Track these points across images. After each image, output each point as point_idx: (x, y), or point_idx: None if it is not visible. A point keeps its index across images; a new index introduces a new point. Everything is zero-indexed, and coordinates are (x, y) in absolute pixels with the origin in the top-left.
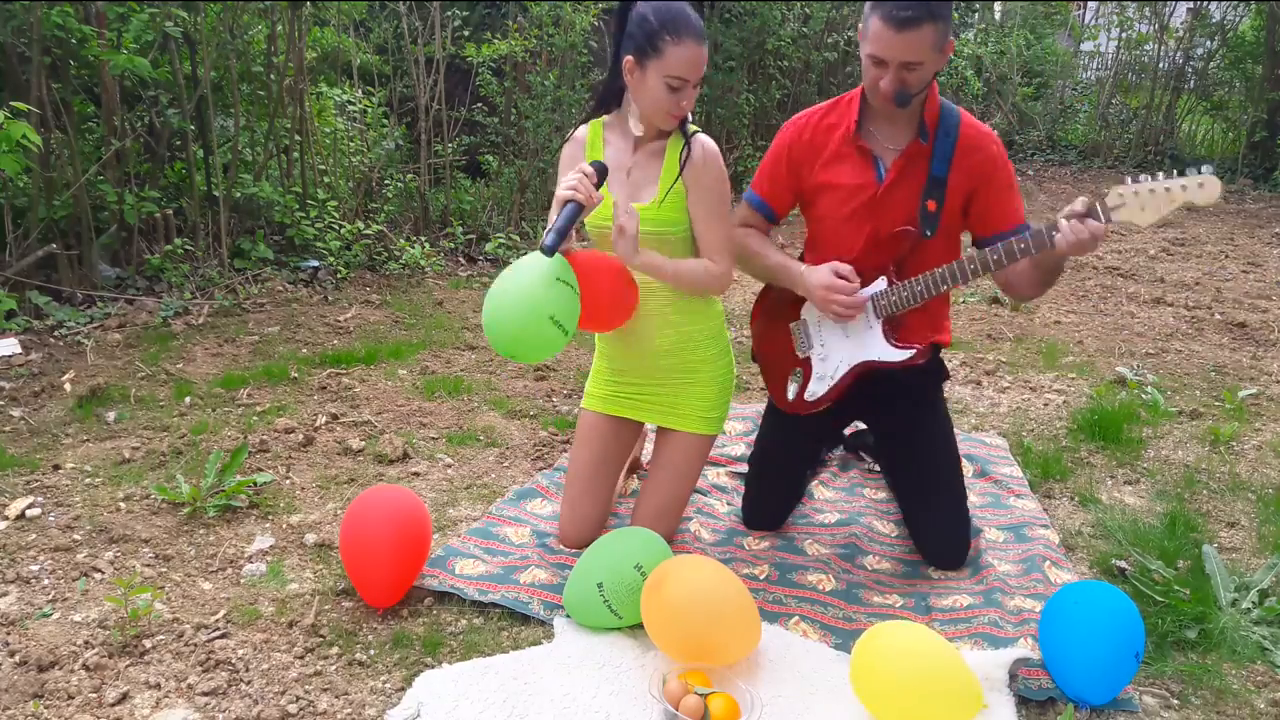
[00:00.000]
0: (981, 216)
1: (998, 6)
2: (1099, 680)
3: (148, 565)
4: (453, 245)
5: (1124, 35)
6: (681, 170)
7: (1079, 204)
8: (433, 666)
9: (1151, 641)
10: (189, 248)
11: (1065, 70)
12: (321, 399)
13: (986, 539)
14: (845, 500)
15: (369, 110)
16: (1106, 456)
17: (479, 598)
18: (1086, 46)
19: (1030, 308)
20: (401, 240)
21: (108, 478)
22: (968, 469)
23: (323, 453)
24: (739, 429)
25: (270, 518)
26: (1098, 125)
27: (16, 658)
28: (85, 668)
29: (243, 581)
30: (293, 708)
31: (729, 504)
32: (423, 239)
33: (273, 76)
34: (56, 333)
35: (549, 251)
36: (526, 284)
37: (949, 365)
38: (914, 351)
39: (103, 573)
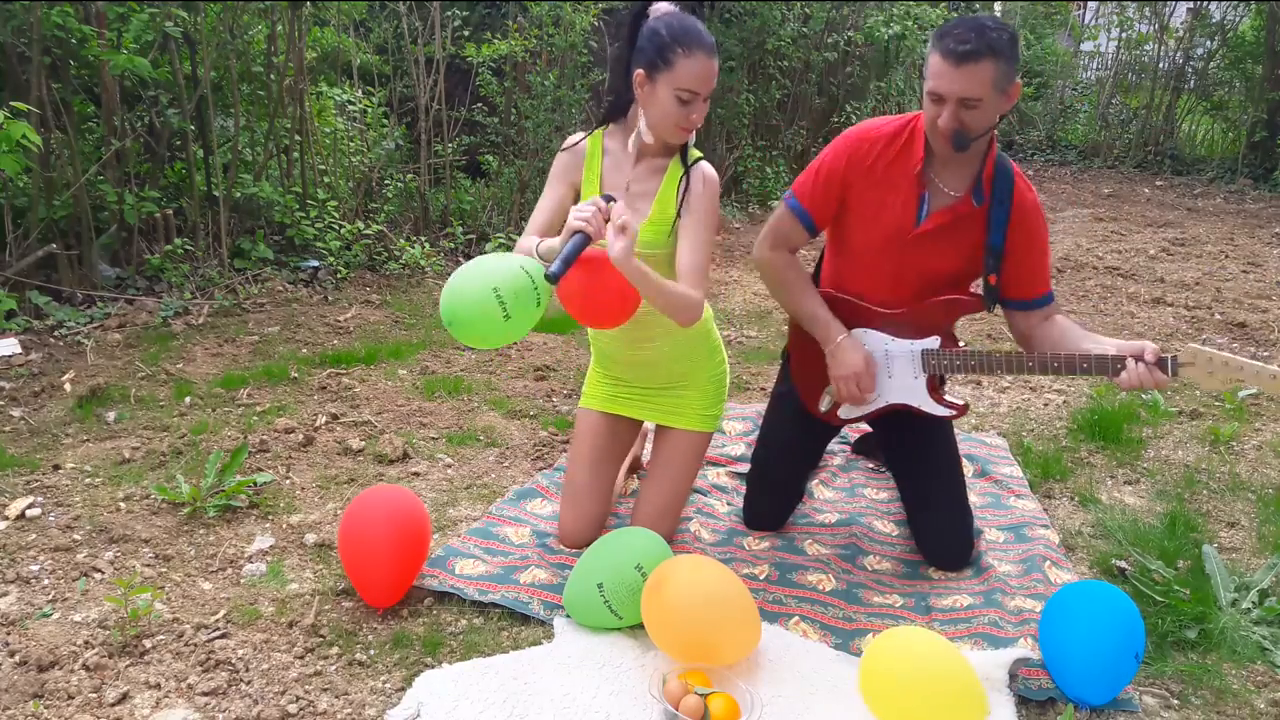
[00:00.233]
0: (1013, 281)
1: (998, 6)
2: (1099, 680)
3: (148, 565)
4: (453, 245)
5: (1124, 35)
6: (680, 202)
7: (1149, 353)
8: (433, 666)
9: (1151, 641)
10: (189, 248)
11: (1065, 70)
12: (321, 399)
13: (987, 539)
14: (845, 500)
15: (369, 110)
16: (1106, 456)
17: (479, 598)
18: (1086, 46)
19: None
20: (401, 240)
21: (108, 478)
22: (968, 469)
23: (323, 453)
24: (739, 429)
25: (270, 518)
26: (1098, 125)
27: (16, 658)
28: (85, 668)
29: (243, 581)
30: (293, 708)
31: (729, 504)
32: (423, 239)
33: (273, 76)
34: (56, 333)
35: (553, 280)
36: (490, 262)
37: None
38: (955, 412)
39: (103, 573)
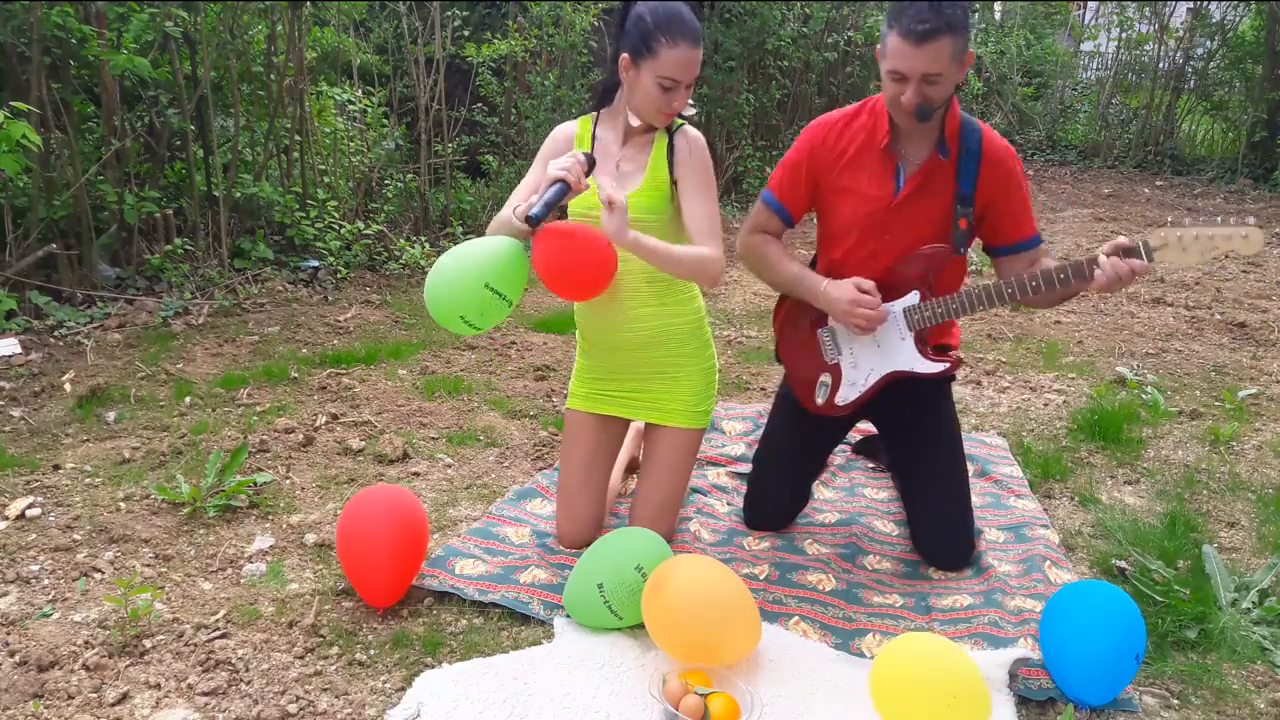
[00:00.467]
0: (996, 228)
1: (998, 6)
2: (1099, 680)
3: (148, 565)
4: (453, 245)
5: (1124, 35)
6: (664, 159)
7: (1122, 241)
8: (433, 666)
9: (1151, 641)
10: (189, 248)
11: (1065, 70)
12: (321, 399)
13: (987, 539)
14: (845, 500)
15: (369, 110)
16: (1106, 456)
17: (479, 598)
18: (1086, 46)
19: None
20: (401, 240)
21: (108, 478)
22: (968, 469)
23: (323, 453)
24: (739, 429)
25: (270, 518)
26: (1098, 125)
27: (16, 658)
28: (85, 668)
29: (243, 581)
30: (293, 708)
31: (729, 504)
32: (423, 239)
33: (273, 76)
34: (56, 333)
35: (535, 221)
36: (460, 260)
37: None
38: (947, 365)
39: (103, 573)
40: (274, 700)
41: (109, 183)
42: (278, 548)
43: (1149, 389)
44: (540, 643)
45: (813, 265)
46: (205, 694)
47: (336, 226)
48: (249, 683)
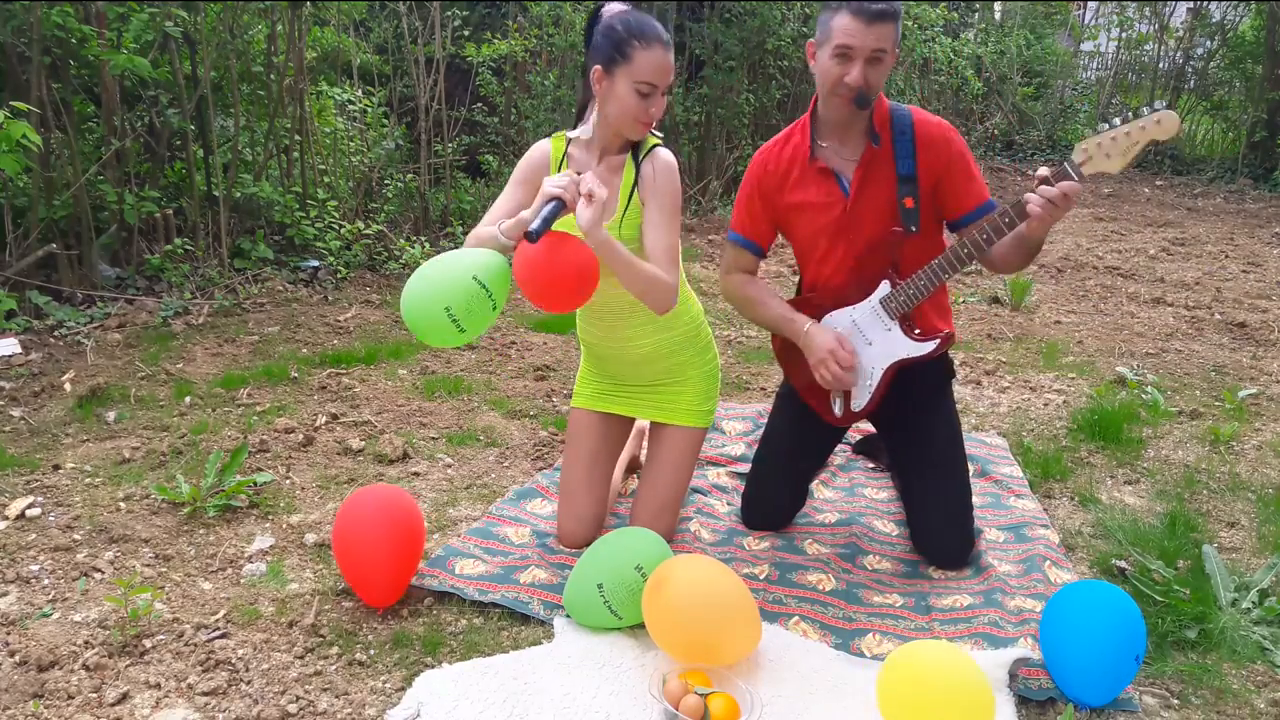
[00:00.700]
0: (949, 201)
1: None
2: (1099, 681)
3: (148, 565)
4: (453, 245)
5: (1124, 35)
6: (634, 188)
7: (1043, 170)
8: (433, 666)
9: (1151, 641)
10: (189, 248)
11: (1065, 70)
12: (321, 399)
13: (987, 539)
14: (845, 500)
15: (369, 110)
16: (1106, 456)
17: (479, 598)
18: (1086, 46)
19: (1030, 306)
20: (401, 240)
21: (108, 478)
22: (968, 469)
23: (323, 453)
24: (739, 429)
25: (270, 518)
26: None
27: (16, 658)
28: (85, 668)
29: (243, 581)
30: (293, 708)
31: (729, 504)
32: (423, 239)
33: (273, 76)
34: (56, 333)
35: (534, 238)
36: (442, 274)
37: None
38: (938, 341)
39: (103, 573)
40: (274, 700)
41: (109, 183)
42: (278, 548)
43: (1149, 389)
44: (540, 643)
45: (799, 283)
46: (205, 694)
47: (336, 226)
48: (249, 683)
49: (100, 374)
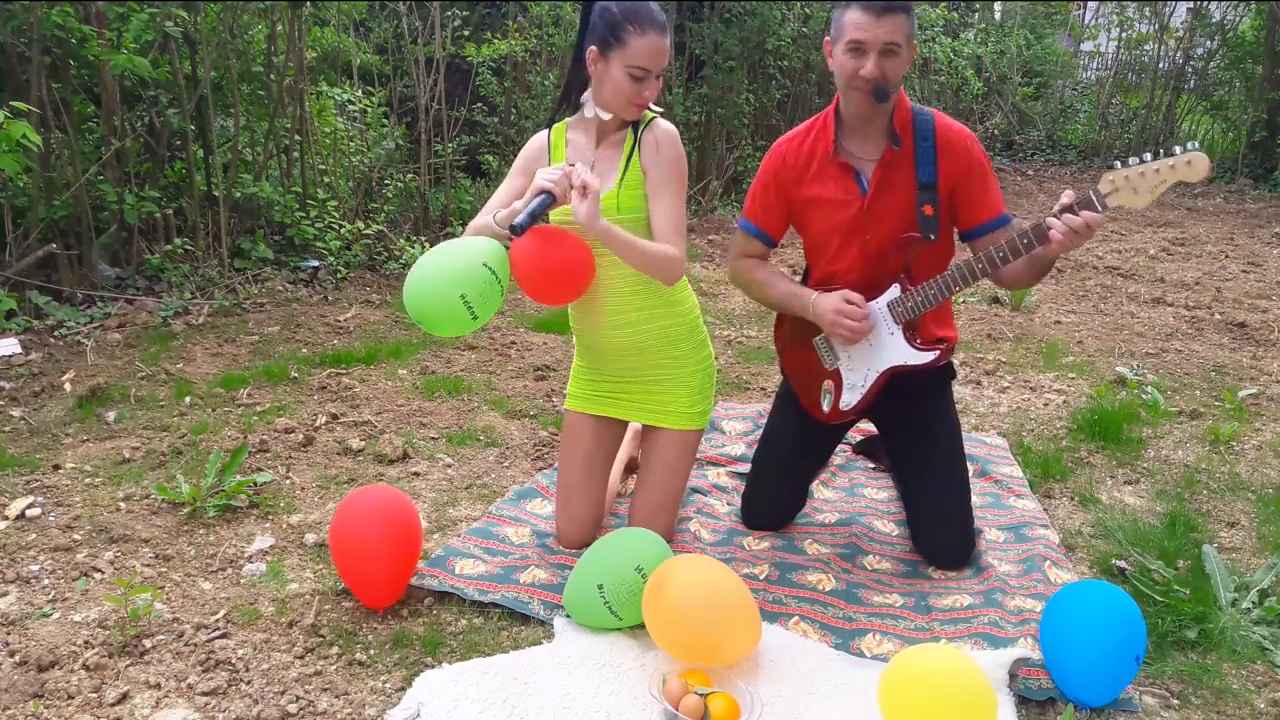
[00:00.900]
0: (963, 211)
1: (998, 6)
2: (1099, 680)
3: (148, 565)
4: None
5: (1124, 35)
6: (630, 156)
7: (1067, 197)
8: (433, 666)
9: (1151, 641)
10: (189, 248)
11: (1065, 70)
12: (321, 399)
13: (987, 539)
14: (845, 500)
15: (369, 110)
16: (1106, 456)
17: (479, 598)
18: (1086, 46)
19: (1030, 306)
20: (401, 240)
21: (108, 478)
22: (968, 469)
23: (323, 453)
24: (739, 429)
25: (270, 518)
26: (1098, 125)
27: (16, 658)
28: (85, 668)
29: (243, 581)
30: (293, 708)
31: (729, 504)
32: (423, 239)
33: (273, 76)
34: (56, 333)
35: (518, 230)
36: (452, 260)
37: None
38: (938, 353)
39: (103, 573)
40: (274, 700)
41: (109, 183)
42: (278, 548)
43: (1149, 389)
44: (540, 643)
45: (805, 278)
46: (205, 694)
47: (336, 226)
48: (249, 683)
49: (100, 374)
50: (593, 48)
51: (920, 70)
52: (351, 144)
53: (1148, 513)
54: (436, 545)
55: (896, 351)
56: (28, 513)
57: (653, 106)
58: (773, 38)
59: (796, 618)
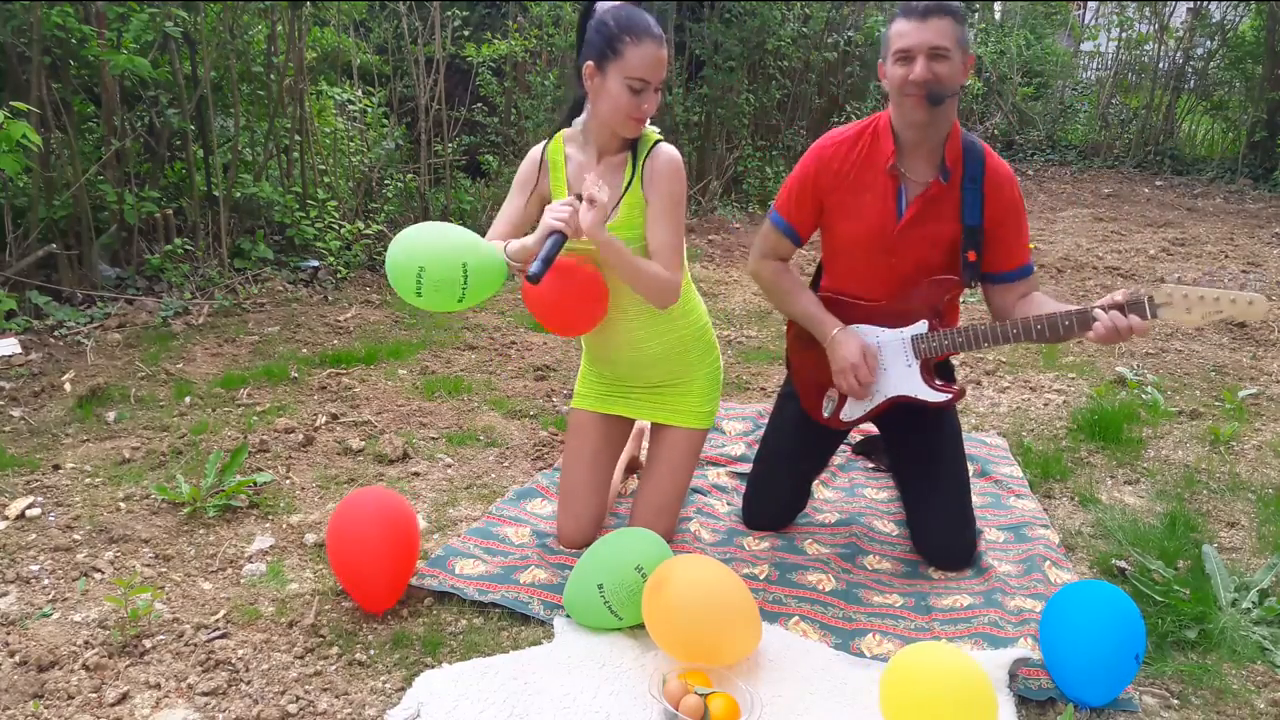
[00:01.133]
0: (992, 254)
1: (998, 6)
2: (1099, 680)
3: (148, 565)
4: None
5: (1124, 35)
6: (630, 181)
7: (1120, 295)
8: (433, 666)
9: (1151, 641)
10: (189, 248)
11: (1065, 70)
12: (321, 399)
13: (987, 539)
14: (845, 500)
15: (369, 110)
16: (1106, 456)
17: (479, 598)
18: (1086, 46)
19: None
20: None
21: (108, 478)
22: (968, 469)
23: (323, 453)
24: (739, 429)
25: (270, 518)
26: (1098, 125)
27: (16, 658)
28: (85, 668)
29: (243, 581)
30: (293, 708)
31: (729, 504)
32: None
33: (273, 76)
34: (56, 333)
35: (535, 279)
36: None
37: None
38: (951, 395)
39: (103, 573)
40: (274, 700)
41: (109, 183)
42: (278, 548)
43: (1149, 389)
44: (540, 643)
45: (818, 275)
46: (205, 694)
47: (336, 226)
48: (249, 683)
49: (100, 374)
50: (589, 63)
51: None
52: (351, 144)
53: (1148, 513)
54: (436, 545)
55: (910, 385)
56: (28, 513)
57: (651, 128)
58: (773, 38)
59: (796, 618)
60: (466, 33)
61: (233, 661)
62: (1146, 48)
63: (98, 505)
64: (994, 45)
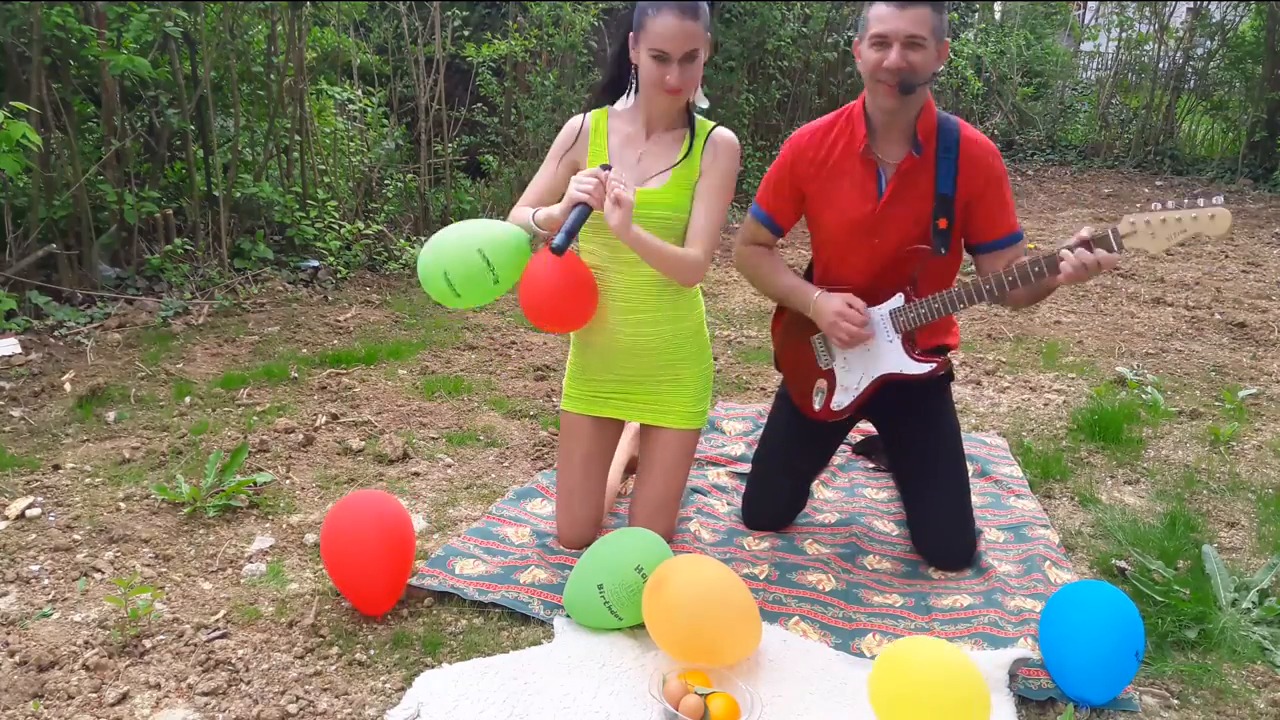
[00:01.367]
0: (977, 225)
1: (998, 6)
2: (1099, 680)
3: (148, 565)
4: None
5: (1124, 35)
6: (686, 155)
7: (1085, 231)
8: (433, 666)
9: (1151, 641)
10: (189, 248)
11: (1065, 70)
12: (321, 399)
13: (987, 539)
14: (845, 500)
15: (369, 110)
16: (1106, 456)
17: (479, 598)
18: (1086, 46)
19: (1030, 307)
20: (401, 240)
21: (108, 478)
22: (968, 469)
23: (323, 453)
24: (739, 429)
25: (270, 518)
26: (1098, 125)
27: (16, 658)
28: (85, 668)
29: (243, 581)
30: (293, 708)
31: (729, 504)
32: (423, 239)
33: (273, 76)
34: (56, 333)
35: (559, 251)
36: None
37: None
38: (934, 365)
39: (103, 573)
40: (274, 700)
41: (109, 183)
42: (278, 548)
43: (1149, 389)
44: (540, 643)
45: (808, 276)
46: (205, 694)
47: (336, 226)
48: (249, 683)
49: (100, 374)
50: (632, 34)
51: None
52: (351, 144)
53: (1148, 513)
54: (436, 545)
55: (893, 360)
56: (28, 513)
57: (699, 112)
58: (773, 38)
59: (796, 618)
60: (466, 33)
61: (233, 661)
62: (1146, 48)
63: (98, 505)
64: (994, 45)
